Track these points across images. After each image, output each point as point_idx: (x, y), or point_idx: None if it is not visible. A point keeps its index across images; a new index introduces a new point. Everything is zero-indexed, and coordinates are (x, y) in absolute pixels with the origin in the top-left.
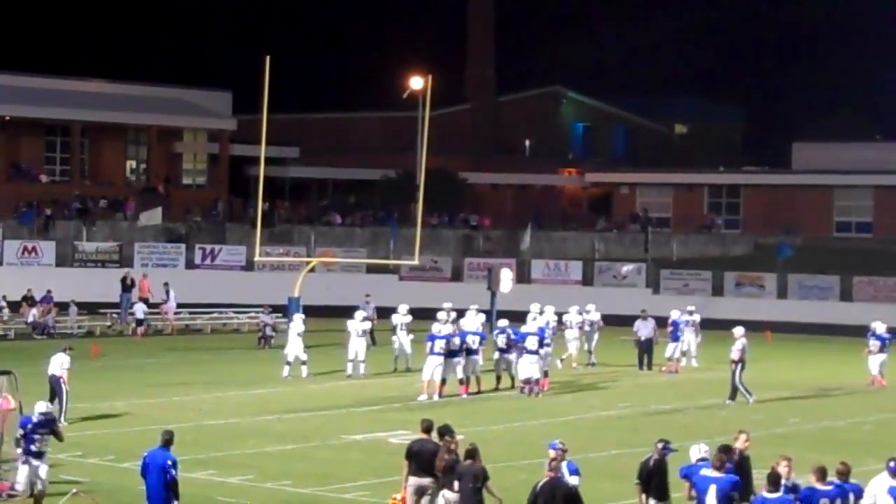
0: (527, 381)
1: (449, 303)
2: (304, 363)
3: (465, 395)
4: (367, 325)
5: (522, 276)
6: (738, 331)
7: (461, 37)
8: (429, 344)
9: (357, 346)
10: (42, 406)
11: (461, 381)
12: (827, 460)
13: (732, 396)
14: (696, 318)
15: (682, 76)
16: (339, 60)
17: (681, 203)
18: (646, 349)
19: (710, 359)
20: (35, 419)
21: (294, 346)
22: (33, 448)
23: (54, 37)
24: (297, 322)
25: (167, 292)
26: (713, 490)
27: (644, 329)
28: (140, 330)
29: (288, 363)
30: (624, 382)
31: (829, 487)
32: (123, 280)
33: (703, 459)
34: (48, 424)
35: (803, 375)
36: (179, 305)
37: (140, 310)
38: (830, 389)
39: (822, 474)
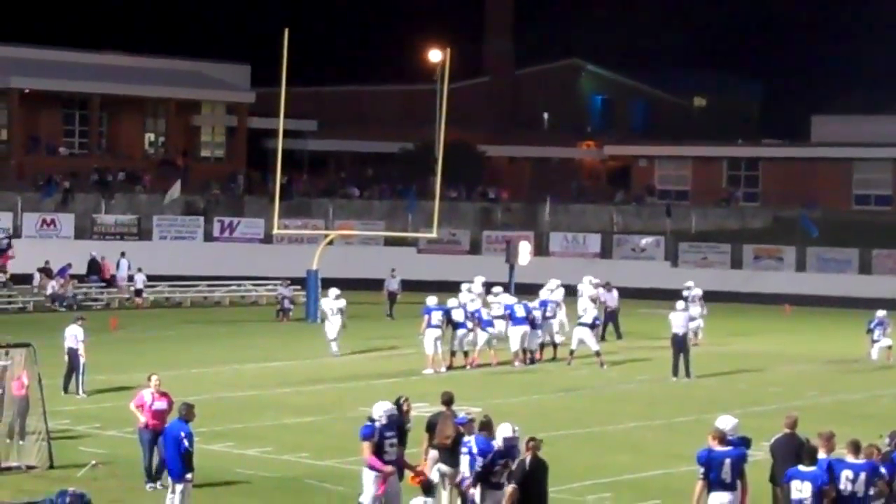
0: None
1: (481, 276)
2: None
3: (468, 367)
4: (341, 302)
5: (540, 249)
6: (681, 304)
7: (480, 9)
8: (425, 317)
9: (332, 325)
10: (507, 430)
11: (463, 353)
12: (844, 433)
13: (687, 372)
14: (698, 291)
15: (701, 49)
16: (357, 33)
17: (699, 176)
18: (611, 320)
19: (725, 332)
20: (499, 446)
21: (332, 324)
22: (493, 479)
23: (73, 9)
24: (331, 297)
25: (118, 263)
26: (728, 463)
27: (610, 300)
28: (139, 300)
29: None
30: (641, 355)
31: (860, 461)
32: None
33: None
34: (513, 452)
35: (821, 348)
36: (198, 278)
37: (140, 280)
38: (848, 362)
39: (854, 448)
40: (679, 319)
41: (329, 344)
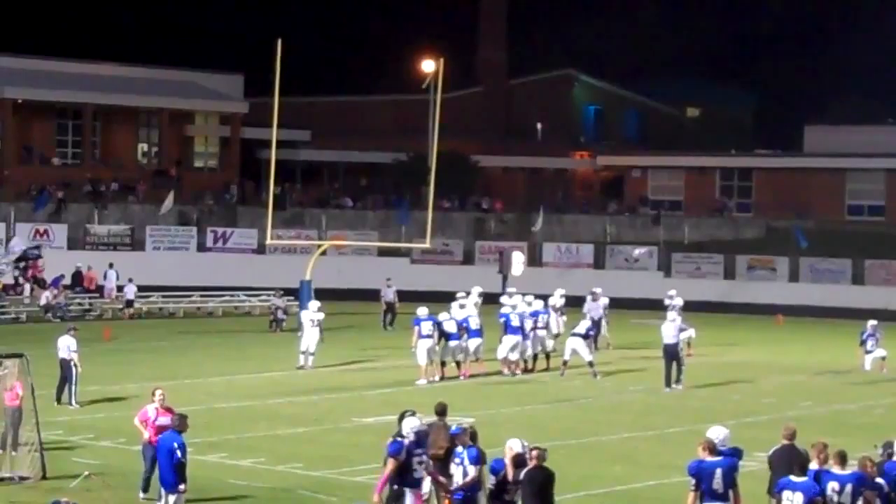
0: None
1: (479, 287)
2: (311, 354)
3: (462, 378)
4: (321, 315)
5: (534, 260)
6: (672, 314)
7: (473, 20)
8: (416, 328)
9: (309, 337)
10: (517, 445)
11: (456, 363)
12: (838, 444)
13: (678, 380)
14: (679, 301)
15: (693, 59)
16: (350, 43)
17: (692, 186)
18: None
19: (719, 342)
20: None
21: (309, 336)
22: (506, 497)
23: (66, 20)
24: (312, 310)
25: (105, 274)
26: (719, 473)
27: (594, 310)
28: (128, 312)
29: (302, 353)
30: (634, 366)
31: (846, 472)
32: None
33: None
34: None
35: (815, 359)
36: (191, 288)
37: (131, 291)
38: (842, 373)
39: (841, 459)
40: (670, 330)
41: (299, 356)
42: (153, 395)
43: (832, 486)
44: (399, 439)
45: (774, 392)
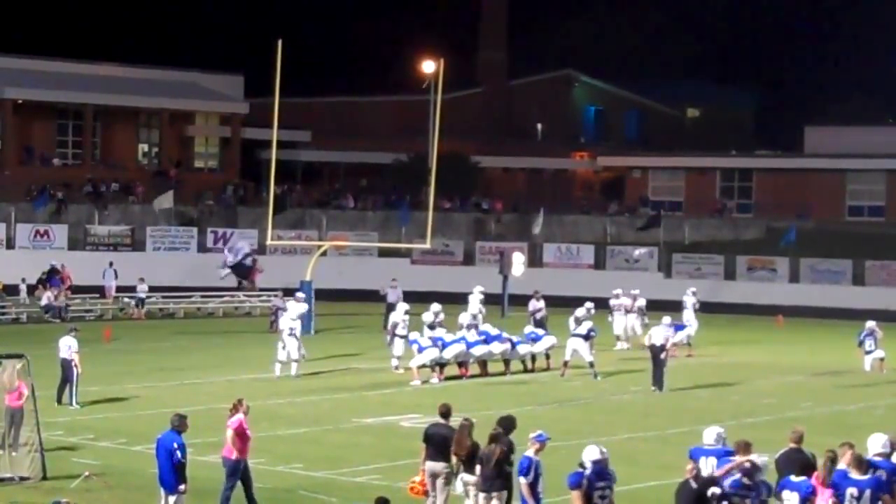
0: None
1: (480, 286)
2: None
3: (464, 378)
4: (297, 324)
5: (534, 260)
6: (666, 319)
7: (473, 20)
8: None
9: (289, 345)
10: (594, 452)
11: (458, 364)
12: (838, 445)
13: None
14: (642, 301)
15: (694, 60)
16: (350, 43)
17: (693, 187)
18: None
19: (719, 343)
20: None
21: (289, 344)
22: None
23: (67, 20)
24: (291, 317)
25: (103, 273)
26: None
27: (541, 311)
28: (137, 311)
29: (281, 363)
30: (635, 366)
31: (866, 477)
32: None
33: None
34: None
35: (815, 359)
36: (192, 289)
37: (142, 291)
38: (842, 373)
39: (858, 463)
40: (659, 331)
41: (276, 365)
42: (240, 404)
43: (851, 491)
44: (579, 470)
45: (775, 392)
